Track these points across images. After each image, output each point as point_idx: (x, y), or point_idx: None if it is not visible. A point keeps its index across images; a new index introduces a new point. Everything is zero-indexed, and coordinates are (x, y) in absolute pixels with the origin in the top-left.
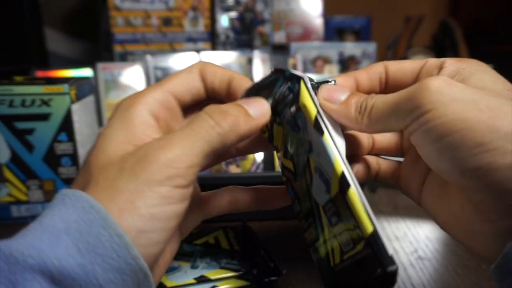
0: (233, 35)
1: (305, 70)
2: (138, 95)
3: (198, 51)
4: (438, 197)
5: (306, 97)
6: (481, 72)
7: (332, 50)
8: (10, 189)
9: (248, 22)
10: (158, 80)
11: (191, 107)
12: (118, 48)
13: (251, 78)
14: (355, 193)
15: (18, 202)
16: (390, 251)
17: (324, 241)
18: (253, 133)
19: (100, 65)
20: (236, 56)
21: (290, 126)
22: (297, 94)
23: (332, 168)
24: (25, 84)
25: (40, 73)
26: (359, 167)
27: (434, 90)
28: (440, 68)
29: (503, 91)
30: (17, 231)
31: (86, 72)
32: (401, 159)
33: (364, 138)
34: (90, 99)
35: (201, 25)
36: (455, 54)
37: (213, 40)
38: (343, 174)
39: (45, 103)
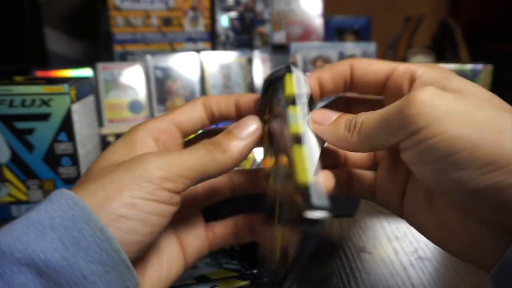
0: (233, 35)
1: (305, 70)
2: (142, 123)
3: (198, 51)
4: (423, 209)
5: (289, 83)
6: (456, 79)
7: (332, 50)
8: (10, 189)
9: (248, 22)
10: (158, 80)
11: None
12: (118, 48)
13: (251, 78)
14: (303, 149)
15: (18, 202)
16: (324, 203)
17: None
18: (243, 155)
19: (100, 65)
20: (236, 56)
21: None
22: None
23: (289, 129)
24: (25, 84)
25: (40, 73)
26: (327, 178)
27: (426, 103)
28: (412, 77)
29: (489, 97)
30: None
31: (86, 72)
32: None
33: (339, 152)
34: (90, 99)
35: (201, 25)
36: (455, 54)
37: (213, 40)
38: (298, 134)
39: (45, 103)
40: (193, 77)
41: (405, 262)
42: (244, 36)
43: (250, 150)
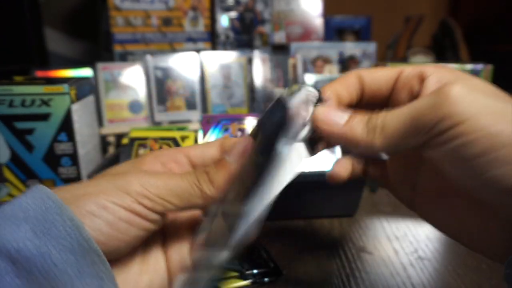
0: (233, 35)
1: (305, 70)
2: (156, 150)
3: (198, 51)
4: (434, 200)
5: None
6: (468, 79)
7: (332, 50)
8: (10, 189)
9: (248, 22)
10: (158, 80)
11: None
12: (118, 48)
13: (251, 78)
14: None
15: None
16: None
17: None
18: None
19: (100, 65)
20: (236, 56)
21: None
22: None
23: None
24: (25, 84)
25: (40, 73)
26: (345, 165)
27: (460, 99)
28: (421, 77)
29: (504, 95)
30: None
31: (86, 72)
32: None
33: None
34: (90, 99)
35: (201, 25)
36: (455, 54)
37: (213, 40)
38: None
39: (45, 103)
40: (193, 77)
41: (405, 262)
42: (244, 36)
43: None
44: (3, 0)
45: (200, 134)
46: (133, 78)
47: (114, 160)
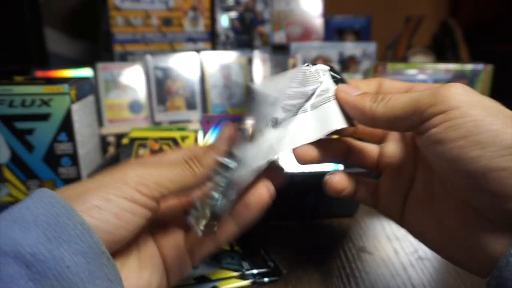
0: (233, 35)
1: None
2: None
3: (198, 51)
4: (424, 215)
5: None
6: (476, 93)
7: (332, 50)
8: (10, 189)
9: (248, 22)
10: (158, 80)
11: None
12: (118, 48)
13: (251, 78)
14: None
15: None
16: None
17: None
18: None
19: (100, 65)
20: (236, 56)
21: None
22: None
23: None
24: (25, 84)
25: (40, 73)
26: (341, 179)
27: (459, 92)
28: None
29: (503, 108)
30: None
31: (86, 72)
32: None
33: (344, 145)
34: (90, 99)
35: (201, 25)
36: (455, 54)
37: (213, 40)
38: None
39: (45, 103)
40: (193, 77)
41: (405, 262)
42: (244, 36)
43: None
44: (3, 0)
45: (200, 134)
46: (133, 78)
47: (114, 160)
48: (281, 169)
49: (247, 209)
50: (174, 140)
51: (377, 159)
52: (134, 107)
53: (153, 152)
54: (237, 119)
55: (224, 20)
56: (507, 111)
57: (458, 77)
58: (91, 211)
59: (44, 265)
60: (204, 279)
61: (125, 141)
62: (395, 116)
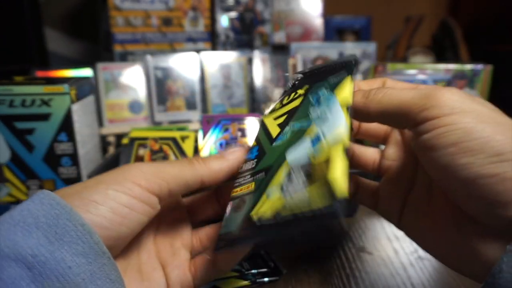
0: (233, 35)
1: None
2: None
3: (198, 51)
4: (422, 219)
5: (349, 88)
6: (477, 98)
7: (332, 50)
8: (10, 189)
9: (248, 22)
10: (158, 80)
11: None
12: (118, 48)
13: (251, 78)
14: (348, 163)
15: (18, 202)
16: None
17: (261, 192)
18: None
19: (100, 65)
20: (236, 56)
21: (313, 100)
22: (339, 81)
23: (339, 137)
24: (25, 84)
25: (40, 73)
26: None
27: (453, 98)
28: None
29: (500, 112)
30: None
31: (86, 72)
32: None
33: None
34: (90, 99)
35: (201, 25)
36: (455, 54)
37: (213, 40)
38: (349, 146)
39: (45, 103)
40: (193, 77)
41: (405, 262)
42: (244, 36)
43: (230, 170)
44: (3, 0)
45: (200, 134)
46: (133, 78)
47: (114, 160)
48: None
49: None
50: (174, 140)
51: (378, 163)
52: (134, 107)
53: (153, 152)
54: (237, 119)
55: (224, 20)
56: (499, 117)
57: (458, 77)
58: (88, 206)
59: (45, 267)
60: None
61: (125, 141)
62: (387, 113)
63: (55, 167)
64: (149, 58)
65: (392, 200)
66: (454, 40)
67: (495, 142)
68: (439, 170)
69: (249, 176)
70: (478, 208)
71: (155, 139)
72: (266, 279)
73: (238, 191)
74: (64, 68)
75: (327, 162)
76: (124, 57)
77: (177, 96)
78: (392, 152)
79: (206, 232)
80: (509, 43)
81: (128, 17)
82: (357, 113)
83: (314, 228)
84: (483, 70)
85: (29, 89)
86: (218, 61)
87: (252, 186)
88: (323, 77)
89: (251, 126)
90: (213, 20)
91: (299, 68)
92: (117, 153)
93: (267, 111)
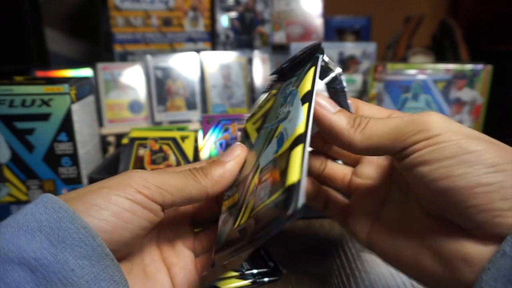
0: (233, 35)
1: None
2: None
3: (198, 51)
4: (394, 237)
5: (309, 77)
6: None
7: (332, 50)
8: (10, 189)
9: (248, 22)
10: (158, 80)
11: None
12: (118, 48)
13: (251, 78)
14: (301, 150)
15: (18, 202)
16: (302, 202)
17: (241, 204)
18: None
19: (100, 65)
20: (236, 56)
21: (281, 99)
22: (304, 76)
23: (295, 128)
24: (25, 84)
25: (40, 73)
26: (310, 183)
27: (439, 120)
28: None
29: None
30: None
31: (86, 72)
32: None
33: (317, 162)
34: (90, 99)
35: (201, 25)
36: (455, 54)
37: (213, 40)
38: (304, 133)
39: (45, 103)
40: (193, 77)
41: None
42: (244, 36)
43: (231, 174)
44: (3, 0)
45: (200, 134)
46: (133, 78)
47: (114, 160)
48: None
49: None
50: (174, 140)
51: (348, 180)
52: (134, 107)
53: (153, 152)
54: (237, 119)
55: (224, 20)
56: (486, 137)
57: (458, 77)
58: (90, 210)
59: (49, 270)
60: None
61: (125, 141)
62: (373, 146)
63: (55, 167)
64: (149, 58)
65: (362, 218)
66: (454, 40)
67: (488, 155)
68: (431, 184)
69: (234, 186)
70: (471, 217)
71: (155, 139)
72: (266, 279)
73: (227, 204)
74: (64, 68)
75: (283, 155)
76: (124, 57)
77: (177, 96)
78: (365, 171)
79: (206, 234)
80: (509, 43)
81: (128, 17)
82: (339, 143)
83: (275, 223)
84: (483, 70)
85: (29, 89)
86: (218, 61)
87: (236, 196)
88: (292, 73)
89: None
90: (213, 20)
91: None
92: (117, 153)
93: (247, 115)
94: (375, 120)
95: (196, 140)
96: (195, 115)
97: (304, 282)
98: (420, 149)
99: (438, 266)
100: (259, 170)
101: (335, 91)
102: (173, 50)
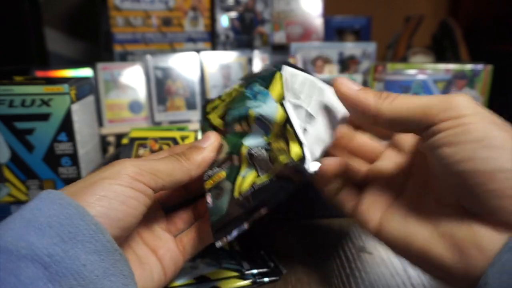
0: (233, 35)
1: (305, 70)
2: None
3: (198, 51)
4: (403, 227)
5: (279, 85)
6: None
7: (332, 50)
8: (10, 189)
9: (248, 22)
10: (158, 80)
11: None
12: (118, 48)
13: None
14: (293, 126)
15: (18, 202)
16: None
17: (234, 177)
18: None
19: (100, 65)
20: (236, 56)
21: (248, 94)
22: (270, 77)
23: (275, 116)
24: (25, 84)
25: (40, 73)
26: (334, 163)
27: (468, 101)
28: None
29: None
30: None
31: (86, 72)
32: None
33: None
34: (90, 99)
35: (201, 25)
36: (455, 54)
37: (213, 40)
38: (287, 119)
39: (45, 103)
40: (193, 77)
41: (405, 262)
42: (244, 36)
43: (211, 158)
44: (3, 0)
45: (200, 134)
46: (133, 78)
47: (114, 160)
48: None
49: None
50: (174, 140)
51: (366, 173)
52: (134, 107)
53: (153, 152)
54: None
55: (224, 20)
56: (508, 126)
57: (458, 77)
58: (100, 201)
59: (61, 265)
60: (204, 279)
61: (125, 141)
62: (401, 118)
63: (55, 167)
64: (149, 58)
65: (376, 205)
66: (454, 40)
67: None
68: (455, 165)
69: (216, 167)
70: (488, 202)
71: (155, 139)
72: (266, 279)
73: (212, 183)
74: (64, 68)
75: (278, 136)
76: (124, 57)
77: (177, 96)
78: (384, 165)
79: (178, 216)
80: (509, 43)
81: (128, 17)
82: (365, 116)
83: (283, 184)
84: (483, 70)
85: (29, 89)
86: (218, 61)
87: (223, 174)
88: (255, 77)
89: None
90: (213, 20)
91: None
92: (117, 153)
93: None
94: (404, 95)
95: (196, 140)
96: (195, 115)
97: (304, 282)
98: (446, 128)
99: (449, 254)
100: (244, 147)
101: None
102: (173, 50)
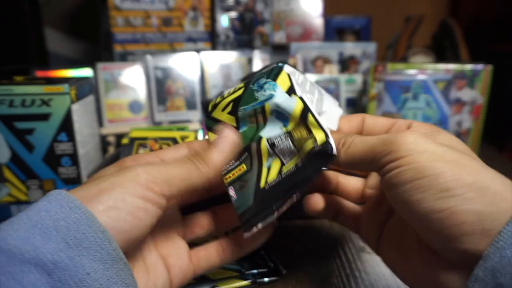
0: (233, 35)
1: (305, 70)
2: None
3: (198, 51)
4: (396, 249)
5: (287, 80)
6: (443, 134)
7: (332, 50)
8: (10, 189)
9: (248, 22)
10: (158, 80)
11: None
12: (118, 48)
13: None
14: (314, 115)
15: (18, 202)
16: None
17: (259, 168)
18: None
19: (100, 65)
20: (236, 56)
21: (254, 88)
22: (275, 72)
23: (293, 107)
24: (25, 84)
25: (40, 73)
26: (318, 200)
27: (410, 141)
28: (409, 126)
29: (463, 149)
30: None
31: (86, 72)
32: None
33: (331, 177)
34: (90, 99)
35: (201, 25)
36: (455, 54)
37: (213, 40)
38: (304, 108)
39: (45, 103)
40: (193, 77)
41: None
42: (244, 36)
43: (230, 157)
44: (3, 0)
45: (200, 134)
46: (133, 78)
47: (114, 160)
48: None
49: (253, 239)
50: (174, 140)
51: (361, 191)
52: (134, 107)
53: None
54: None
55: (224, 20)
56: (451, 155)
57: (458, 77)
58: (109, 211)
59: (65, 273)
60: (204, 279)
61: (125, 141)
62: (356, 162)
63: (55, 167)
64: (149, 58)
65: (372, 226)
66: (454, 40)
67: (443, 179)
68: (401, 206)
69: (233, 161)
70: (436, 241)
71: (155, 139)
72: (266, 279)
73: (231, 176)
74: (64, 68)
75: (299, 123)
76: (124, 57)
77: (177, 96)
78: (373, 182)
79: (195, 220)
80: (509, 43)
81: (128, 17)
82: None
83: (309, 169)
84: (483, 70)
85: (29, 89)
86: (218, 61)
87: (243, 167)
88: (258, 74)
89: None
90: (213, 20)
91: (299, 68)
92: (117, 153)
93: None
94: (359, 139)
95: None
96: (195, 115)
97: (304, 282)
98: (389, 170)
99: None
100: (263, 140)
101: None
102: (173, 50)
